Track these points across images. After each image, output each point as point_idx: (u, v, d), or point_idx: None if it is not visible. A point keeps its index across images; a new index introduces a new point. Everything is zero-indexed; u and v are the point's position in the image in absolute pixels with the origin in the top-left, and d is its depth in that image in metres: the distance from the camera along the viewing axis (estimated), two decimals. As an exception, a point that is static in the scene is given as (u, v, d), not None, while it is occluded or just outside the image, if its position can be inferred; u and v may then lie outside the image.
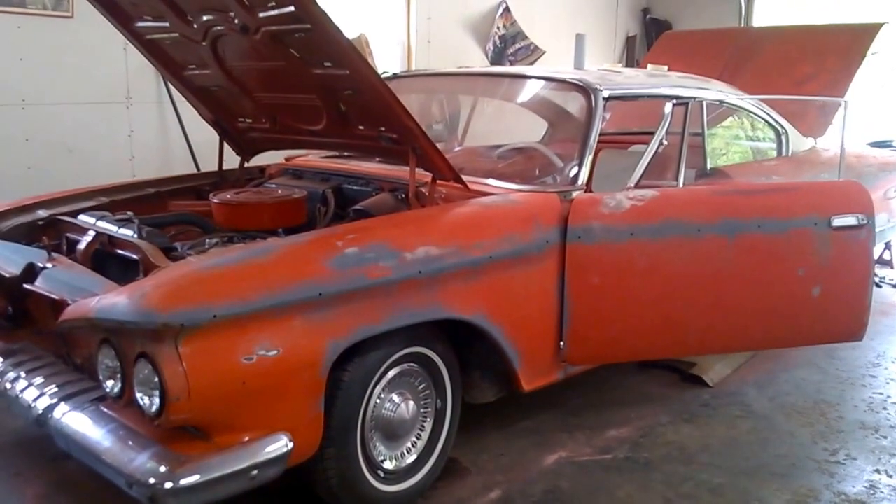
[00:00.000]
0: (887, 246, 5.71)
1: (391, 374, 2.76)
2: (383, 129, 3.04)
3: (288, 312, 2.36)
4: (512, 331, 2.94)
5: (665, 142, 3.29)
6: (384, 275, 2.55)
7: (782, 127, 4.21)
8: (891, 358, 4.23)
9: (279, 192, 3.37)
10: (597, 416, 3.51)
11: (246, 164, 3.93)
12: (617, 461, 3.16)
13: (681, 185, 3.29)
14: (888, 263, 5.77)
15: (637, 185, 3.25)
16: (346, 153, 3.81)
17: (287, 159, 4.02)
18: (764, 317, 3.22)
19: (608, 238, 3.05)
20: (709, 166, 3.70)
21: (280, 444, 2.35)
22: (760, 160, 4.21)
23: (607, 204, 3.08)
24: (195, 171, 5.01)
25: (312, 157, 3.97)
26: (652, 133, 3.76)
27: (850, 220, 3.24)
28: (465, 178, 3.19)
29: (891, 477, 3.05)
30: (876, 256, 5.76)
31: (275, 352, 2.32)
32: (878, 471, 3.10)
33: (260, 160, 3.98)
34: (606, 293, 3.07)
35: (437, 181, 3.13)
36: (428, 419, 2.93)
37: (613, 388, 3.76)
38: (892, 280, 5.51)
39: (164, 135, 5.26)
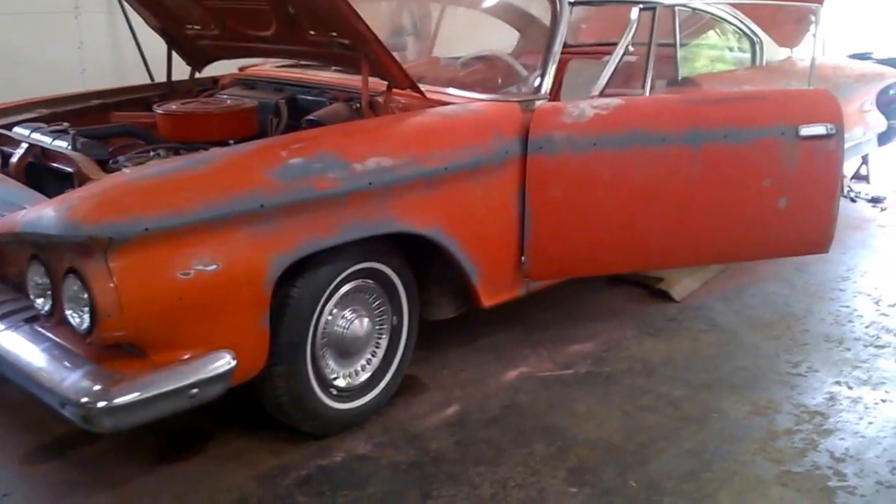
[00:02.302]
0: (864, 160, 5.62)
1: (343, 289, 2.67)
2: (335, 34, 2.88)
3: (228, 225, 2.26)
4: (470, 245, 2.85)
5: (631, 49, 3.14)
6: (332, 186, 2.44)
7: (756, 36, 4.06)
8: (860, 272, 4.18)
9: (228, 102, 3.21)
10: (561, 331, 3.45)
11: (198, 75, 3.76)
12: (578, 376, 3.12)
13: (647, 94, 3.15)
14: (864, 178, 5.69)
15: (603, 95, 3.12)
16: (301, 62, 3.64)
17: (240, 69, 3.84)
18: (729, 228, 3.15)
19: (571, 149, 2.93)
20: (680, 76, 3.56)
21: (223, 362, 2.28)
22: (733, 70, 4.06)
23: (570, 113, 2.95)
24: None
25: (267, 67, 3.79)
26: (634, 43, 3.66)
27: (818, 129, 3.13)
28: (424, 87, 3.06)
29: (851, 389, 3.03)
30: (852, 171, 5.70)
31: (214, 266, 2.22)
32: (838, 382, 3.07)
33: (215, 71, 3.81)
34: (569, 206, 2.97)
35: (394, 90, 2.98)
36: (384, 336, 2.85)
37: (579, 304, 3.70)
38: (868, 195, 5.43)
39: (117, 46, 5.02)
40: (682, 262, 3.45)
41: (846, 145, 4.51)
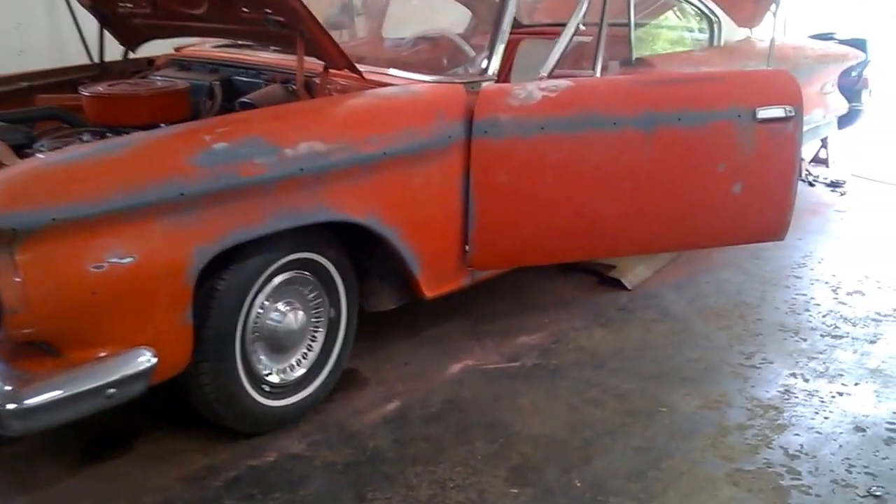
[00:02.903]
0: (823, 143, 5.57)
1: (276, 281, 2.54)
2: (269, 11, 2.73)
3: (145, 215, 2.12)
4: (410, 234, 2.73)
5: (583, 28, 3.02)
6: (260, 172, 2.30)
7: (715, 16, 3.95)
8: (817, 258, 4.12)
9: (158, 83, 3.05)
10: (509, 322, 3.35)
11: (133, 55, 3.58)
12: (525, 369, 3.02)
13: (598, 74, 3.03)
14: (824, 162, 5.64)
15: (552, 76, 3.00)
16: (239, 42, 3.47)
17: (176, 49, 3.67)
18: (682, 215, 3.05)
19: (517, 132, 2.81)
20: (634, 57, 3.46)
21: (142, 360, 2.16)
22: (690, 51, 3.95)
23: (517, 95, 2.83)
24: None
25: (203, 47, 3.62)
26: (587, 23, 3.54)
27: (776, 111, 3.04)
28: (366, 68, 2.92)
29: (806, 381, 2.96)
30: (811, 154, 5.65)
31: (129, 259, 2.09)
32: (793, 374, 3.00)
33: (154, 51, 3.63)
34: (515, 192, 2.86)
35: (333, 72, 2.84)
36: (320, 329, 2.73)
37: (529, 293, 3.61)
38: (827, 179, 5.38)
39: (56, 26, 4.80)
40: (633, 250, 3.36)
41: (805, 128, 4.49)
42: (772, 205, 3.14)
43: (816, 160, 5.66)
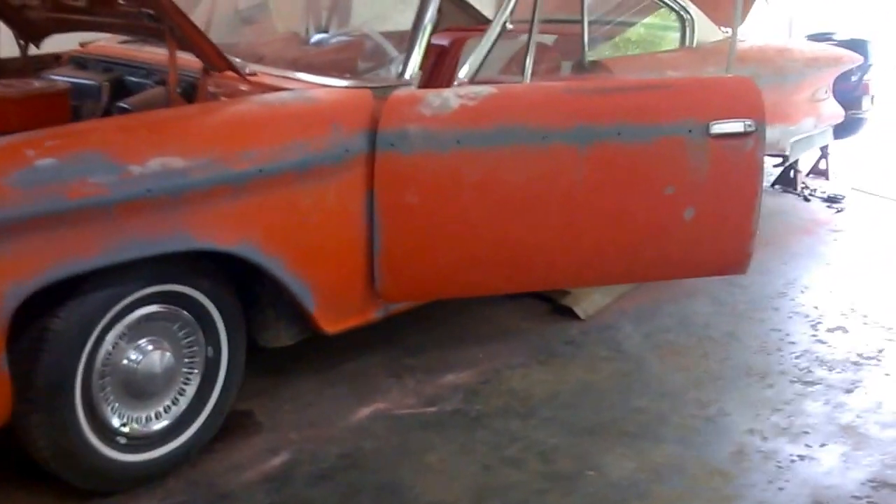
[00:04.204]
0: (823, 154, 5.11)
1: (131, 318, 2.19)
2: (141, 3, 2.37)
3: (-60, 246, 1.77)
4: (299, 263, 2.36)
5: (510, 26, 2.63)
6: (94, 194, 1.95)
7: (687, 13, 3.52)
8: (801, 286, 3.69)
9: (36, 84, 2.70)
10: (437, 357, 2.97)
11: (38, 51, 3.25)
12: (442, 415, 2.64)
13: (527, 80, 2.64)
14: (823, 174, 5.18)
15: (474, 81, 2.61)
16: (143, 38, 3.12)
17: (81, 45, 3.32)
18: (624, 245, 2.65)
19: (430, 146, 2.44)
20: (587, 59, 3.06)
21: (-62, 418, 1.81)
22: (655, 53, 3.53)
23: (430, 104, 2.45)
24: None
25: (109, 43, 3.27)
26: (552, 21, 3.15)
27: (733, 126, 2.62)
28: (263, 69, 2.56)
29: (765, 439, 2.55)
30: (809, 166, 5.21)
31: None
32: (751, 431, 2.59)
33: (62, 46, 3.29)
34: (427, 216, 2.48)
35: (230, 75, 2.49)
36: (195, 370, 2.37)
37: (468, 322, 3.22)
38: (824, 193, 4.92)
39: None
40: (568, 283, 2.97)
41: (793, 139, 4.06)
42: (729, 234, 2.72)
43: (815, 172, 5.20)
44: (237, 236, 2.22)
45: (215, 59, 2.37)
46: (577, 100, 2.57)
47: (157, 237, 2.08)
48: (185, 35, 2.30)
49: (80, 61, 3.08)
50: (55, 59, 3.27)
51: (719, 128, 2.60)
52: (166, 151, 2.08)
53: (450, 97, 2.47)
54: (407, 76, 2.60)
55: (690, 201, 2.62)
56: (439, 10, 4.05)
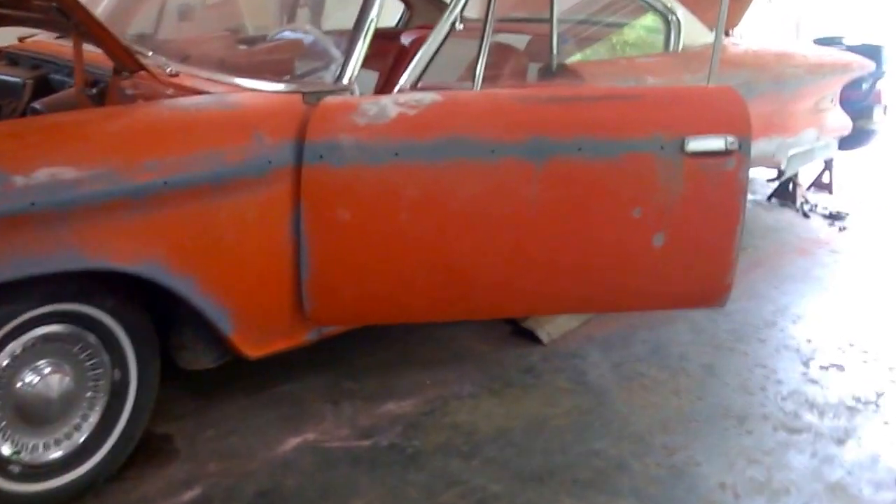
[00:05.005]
0: (827, 167, 4.82)
1: (21, 340, 2.00)
2: (51, -2, 2.16)
3: None
4: (213, 284, 2.15)
5: (459, 26, 2.38)
6: (-35, 207, 1.74)
7: (672, 14, 3.25)
8: (793, 315, 3.41)
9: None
10: (381, 382, 2.75)
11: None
12: (376, 450, 2.42)
13: (477, 87, 2.40)
14: (826, 188, 4.88)
15: (417, 87, 2.37)
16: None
17: (20, 40, 3.12)
18: (582, 272, 2.40)
19: (363, 159, 2.21)
20: (555, 63, 2.82)
21: None
22: (633, 57, 3.26)
23: (365, 112, 2.23)
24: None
25: (43, 38, 3.06)
26: (522, 20, 2.92)
27: (712, 142, 2.36)
28: (190, 70, 2.35)
29: (737, 497, 2.28)
30: (811, 179, 4.92)
31: None
32: (722, 486, 2.32)
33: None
34: (359, 234, 2.25)
35: (139, 75, 2.28)
36: (101, 394, 2.17)
37: (419, 343, 2.98)
38: (826, 209, 4.62)
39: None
40: (516, 312, 2.74)
41: (790, 152, 3.78)
42: (705, 263, 2.46)
43: (818, 185, 4.90)
44: (139, 254, 2.01)
45: (124, 58, 2.16)
46: (533, 109, 2.32)
47: (42, 255, 1.88)
48: (90, 32, 2.09)
49: (13, 57, 2.88)
50: (-6, 53, 3.08)
51: (696, 144, 2.34)
52: (56, 160, 1.87)
53: (388, 105, 2.24)
54: (345, 81, 2.36)
55: (660, 226, 2.37)
56: (409, 7, 3.92)
